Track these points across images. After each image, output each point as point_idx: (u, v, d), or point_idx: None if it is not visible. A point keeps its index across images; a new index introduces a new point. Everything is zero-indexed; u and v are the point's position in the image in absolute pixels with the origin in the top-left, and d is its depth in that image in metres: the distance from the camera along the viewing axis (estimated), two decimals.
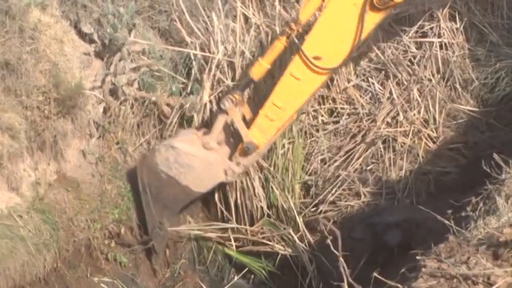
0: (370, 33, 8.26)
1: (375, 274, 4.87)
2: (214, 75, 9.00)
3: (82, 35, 8.67)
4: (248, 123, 8.25)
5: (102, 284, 7.83)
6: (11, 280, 6.90)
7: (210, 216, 9.35)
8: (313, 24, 8.10)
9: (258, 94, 9.02)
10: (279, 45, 8.02)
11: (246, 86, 8.58)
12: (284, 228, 8.91)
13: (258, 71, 8.08)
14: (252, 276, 9.19)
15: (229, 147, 8.33)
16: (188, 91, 8.94)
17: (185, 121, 9.01)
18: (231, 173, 8.29)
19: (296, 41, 7.97)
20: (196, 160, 8.25)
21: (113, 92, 8.43)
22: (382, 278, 4.79)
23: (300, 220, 8.89)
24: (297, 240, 8.80)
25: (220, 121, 8.15)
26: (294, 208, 8.93)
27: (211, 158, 8.24)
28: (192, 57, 9.01)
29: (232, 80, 8.95)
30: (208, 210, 9.36)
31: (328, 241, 7.63)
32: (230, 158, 8.34)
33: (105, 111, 8.54)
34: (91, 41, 8.52)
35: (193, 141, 8.34)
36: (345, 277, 4.69)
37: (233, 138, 8.43)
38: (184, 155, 8.25)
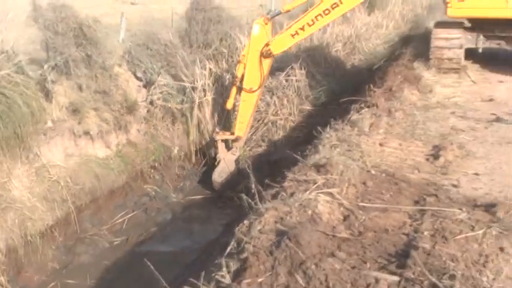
0: (269, 70, 11.20)
1: (266, 181, 5.88)
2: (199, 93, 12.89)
3: None
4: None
5: None
6: None
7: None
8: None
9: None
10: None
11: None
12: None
13: (230, 103, 11.30)
14: None
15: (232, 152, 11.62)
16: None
17: None
18: (234, 151, 11.71)
19: (238, 83, 10.91)
20: (221, 163, 11.60)
21: None
22: (271, 183, 5.79)
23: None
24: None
25: (220, 146, 11.64)
26: None
27: (224, 157, 11.52)
28: (186, 86, 13.05)
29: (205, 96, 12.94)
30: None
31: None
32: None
33: None
34: None
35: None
36: (253, 183, 5.39)
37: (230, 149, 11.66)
38: (218, 168, 11.67)
